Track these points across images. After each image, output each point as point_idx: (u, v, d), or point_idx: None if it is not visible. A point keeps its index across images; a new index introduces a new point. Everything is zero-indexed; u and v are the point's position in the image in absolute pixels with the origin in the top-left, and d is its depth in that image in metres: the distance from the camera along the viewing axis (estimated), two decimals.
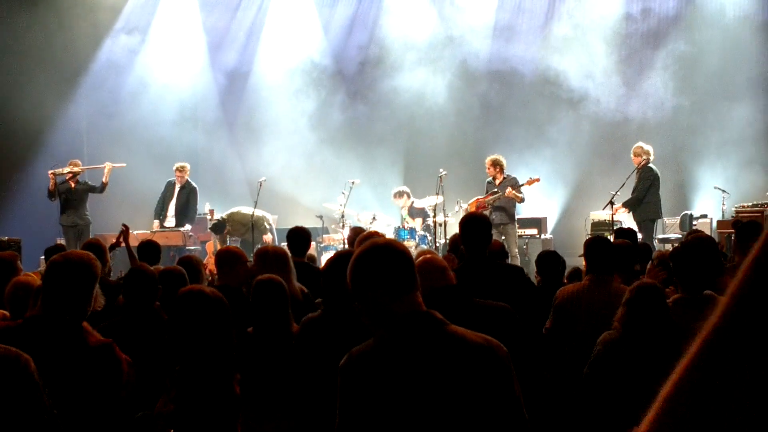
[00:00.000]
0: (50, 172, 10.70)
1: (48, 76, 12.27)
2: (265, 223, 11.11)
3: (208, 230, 11.45)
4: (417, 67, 13.39)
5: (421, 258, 3.28)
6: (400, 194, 11.59)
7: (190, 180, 11.53)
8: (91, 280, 2.73)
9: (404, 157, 13.42)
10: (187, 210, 11.43)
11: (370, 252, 2.17)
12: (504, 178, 10.61)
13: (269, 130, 13.58)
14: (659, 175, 9.98)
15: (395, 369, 2.09)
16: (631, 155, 10.18)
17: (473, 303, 3.27)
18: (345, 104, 13.73)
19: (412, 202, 11.63)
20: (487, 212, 10.04)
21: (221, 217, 11.26)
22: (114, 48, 13.15)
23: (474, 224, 4.33)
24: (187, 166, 11.52)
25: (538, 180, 10.63)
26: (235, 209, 11.31)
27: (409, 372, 2.08)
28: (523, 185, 10.46)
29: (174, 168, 11.44)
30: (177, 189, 11.44)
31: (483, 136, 12.98)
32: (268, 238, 10.85)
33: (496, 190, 10.46)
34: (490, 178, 10.76)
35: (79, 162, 11.08)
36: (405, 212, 11.62)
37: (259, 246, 9.10)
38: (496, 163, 10.61)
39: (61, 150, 11.96)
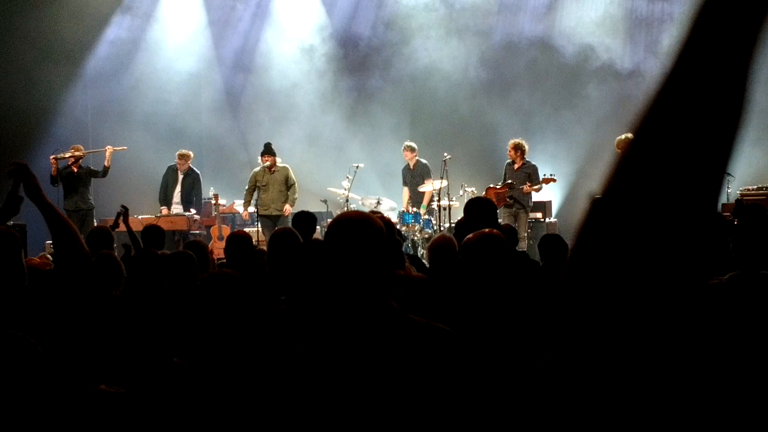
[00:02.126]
0: (52, 157, 10.70)
1: (51, 59, 12.22)
2: (295, 194, 10.90)
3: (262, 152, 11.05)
4: (422, 50, 13.33)
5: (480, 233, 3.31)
6: (412, 149, 11.60)
7: (193, 167, 11.57)
8: (16, 249, 2.78)
9: (409, 140, 13.39)
10: (192, 197, 11.50)
11: (337, 230, 2.10)
12: (523, 163, 10.64)
13: (273, 114, 13.56)
14: None
15: (350, 359, 2.02)
16: (618, 151, 10.10)
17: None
18: (350, 88, 13.68)
19: (416, 162, 11.60)
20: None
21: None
22: (118, 31, 13.12)
23: (479, 208, 4.34)
24: (191, 153, 11.56)
25: (554, 180, 10.61)
26: (287, 166, 11.15)
27: (364, 363, 2.02)
28: (540, 183, 10.49)
29: (177, 154, 11.46)
30: (181, 176, 11.48)
31: (488, 120, 12.93)
32: (287, 210, 10.68)
33: (511, 182, 10.49)
34: (510, 161, 10.79)
35: (81, 147, 11.08)
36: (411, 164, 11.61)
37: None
38: (517, 147, 10.64)
39: (65, 134, 11.94)
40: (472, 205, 4.38)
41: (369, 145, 13.10)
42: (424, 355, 2.05)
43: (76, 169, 10.84)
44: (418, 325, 2.10)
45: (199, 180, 11.63)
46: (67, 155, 10.77)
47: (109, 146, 11.03)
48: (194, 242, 5.07)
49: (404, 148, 11.62)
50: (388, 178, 12.50)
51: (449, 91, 13.28)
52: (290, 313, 3.39)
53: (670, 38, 12.33)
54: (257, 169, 11.08)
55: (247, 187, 11.12)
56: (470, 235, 3.40)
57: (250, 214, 11.61)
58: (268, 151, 10.95)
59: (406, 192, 11.65)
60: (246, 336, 2.87)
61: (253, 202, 11.13)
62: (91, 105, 13.03)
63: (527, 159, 10.72)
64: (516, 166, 10.68)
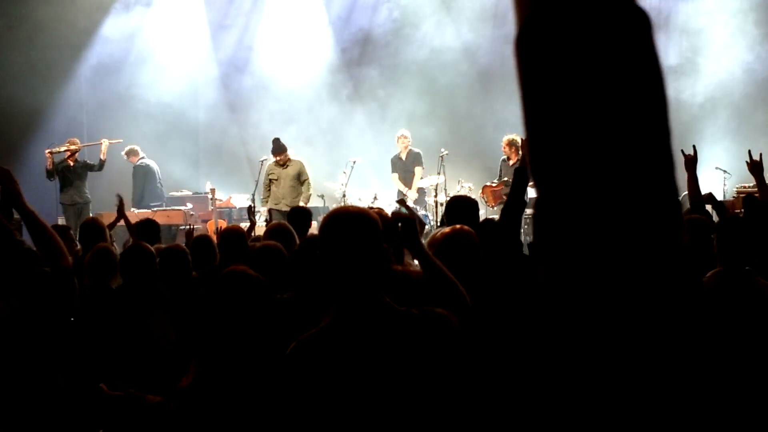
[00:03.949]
0: (47, 151, 10.70)
1: (47, 54, 12.19)
2: (309, 190, 10.59)
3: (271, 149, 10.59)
4: (423, 41, 13.26)
5: (452, 229, 3.29)
6: (407, 137, 11.57)
7: (144, 160, 11.64)
8: None
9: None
10: (142, 191, 11.52)
11: (332, 225, 2.10)
12: (518, 159, 10.64)
13: (270, 108, 13.52)
14: None
15: (345, 355, 2.03)
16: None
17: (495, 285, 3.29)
18: (347, 82, 13.64)
19: (409, 151, 11.57)
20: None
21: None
22: (115, 26, 13.06)
23: (460, 207, 4.37)
24: (135, 147, 11.58)
25: None
26: (304, 160, 10.82)
27: (359, 358, 2.03)
28: None
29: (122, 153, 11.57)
30: (133, 172, 11.63)
31: (488, 114, 12.88)
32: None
33: (507, 179, 10.50)
34: (505, 157, 10.80)
35: (78, 140, 11.07)
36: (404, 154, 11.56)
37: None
38: (512, 143, 10.65)
39: (60, 128, 11.92)
40: (453, 204, 4.45)
41: (366, 139, 13.06)
42: (412, 346, 2.06)
43: (72, 163, 10.82)
44: (408, 316, 2.10)
45: (148, 172, 11.65)
46: (62, 149, 10.74)
47: (104, 139, 11.02)
48: (202, 236, 5.12)
49: (401, 136, 11.59)
50: (385, 173, 12.45)
51: (449, 84, 13.23)
52: (293, 304, 3.39)
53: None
54: (270, 162, 10.73)
55: (263, 183, 10.72)
56: (442, 231, 3.41)
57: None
58: (277, 149, 10.50)
59: (396, 178, 11.59)
60: (255, 332, 2.86)
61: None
62: (87, 101, 12.98)
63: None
64: (511, 162, 10.68)
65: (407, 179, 11.53)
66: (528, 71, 0.68)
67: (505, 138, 10.75)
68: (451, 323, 2.14)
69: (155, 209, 11.05)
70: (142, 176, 11.63)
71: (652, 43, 0.67)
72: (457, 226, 3.40)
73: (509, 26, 13.02)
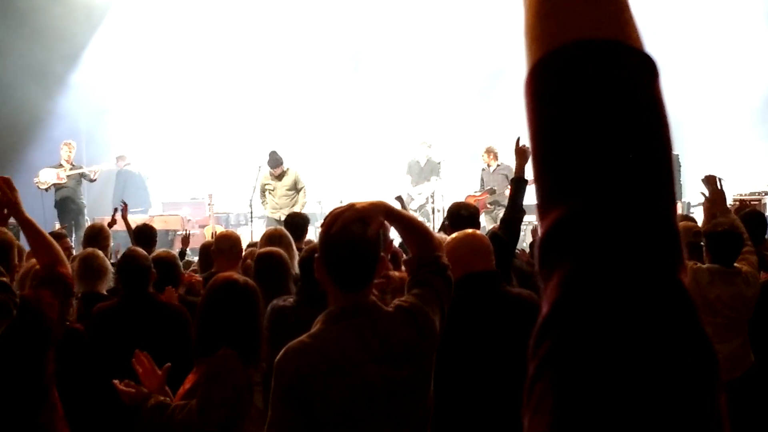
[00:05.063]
0: (35, 181, 10.79)
1: (46, 60, 12.19)
2: (304, 197, 10.56)
3: (267, 165, 10.42)
4: (420, 45, 13.25)
5: (464, 234, 3.28)
6: (429, 145, 11.54)
7: (128, 164, 11.90)
8: None
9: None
10: (121, 195, 11.55)
11: (334, 243, 2.13)
12: (498, 165, 10.71)
13: (270, 113, 13.52)
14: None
15: (334, 363, 2.04)
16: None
17: (503, 292, 3.28)
18: (347, 88, 13.63)
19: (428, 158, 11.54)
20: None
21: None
22: (112, 31, 13.08)
23: (461, 213, 4.38)
24: (123, 154, 11.86)
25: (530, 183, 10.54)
26: (299, 168, 10.72)
27: (349, 365, 2.04)
28: None
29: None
30: (116, 176, 11.88)
31: (485, 121, 12.88)
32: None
33: (491, 188, 10.55)
34: (485, 165, 10.89)
35: (72, 144, 11.11)
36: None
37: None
38: (489, 151, 10.80)
39: (59, 135, 11.89)
40: (453, 212, 4.47)
41: (365, 145, 13.05)
42: (403, 347, 2.10)
43: (68, 167, 10.92)
44: (388, 313, 2.14)
45: (128, 177, 11.86)
46: (49, 184, 10.80)
47: (94, 168, 11.08)
48: (208, 245, 5.19)
49: (423, 143, 11.53)
50: (382, 179, 12.45)
51: (447, 89, 13.21)
52: (296, 310, 3.39)
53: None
54: (265, 172, 10.59)
55: (259, 191, 10.65)
56: (453, 235, 3.41)
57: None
58: (274, 162, 10.36)
59: (409, 181, 11.55)
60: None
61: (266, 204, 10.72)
62: (86, 107, 12.94)
63: (501, 161, 10.75)
64: (491, 169, 10.79)
65: (420, 184, 11.44)
66: (541, 109, 0.74)
67: (485, 148, 10.88)
68: (423, 311, 2.16)
69: (149, 215, 11.04)
70: (122, 181, 11.87)
71: (657, 89, 0.72)
72: (468, 231, 3.38)
73: (516, 31, 12.98)
